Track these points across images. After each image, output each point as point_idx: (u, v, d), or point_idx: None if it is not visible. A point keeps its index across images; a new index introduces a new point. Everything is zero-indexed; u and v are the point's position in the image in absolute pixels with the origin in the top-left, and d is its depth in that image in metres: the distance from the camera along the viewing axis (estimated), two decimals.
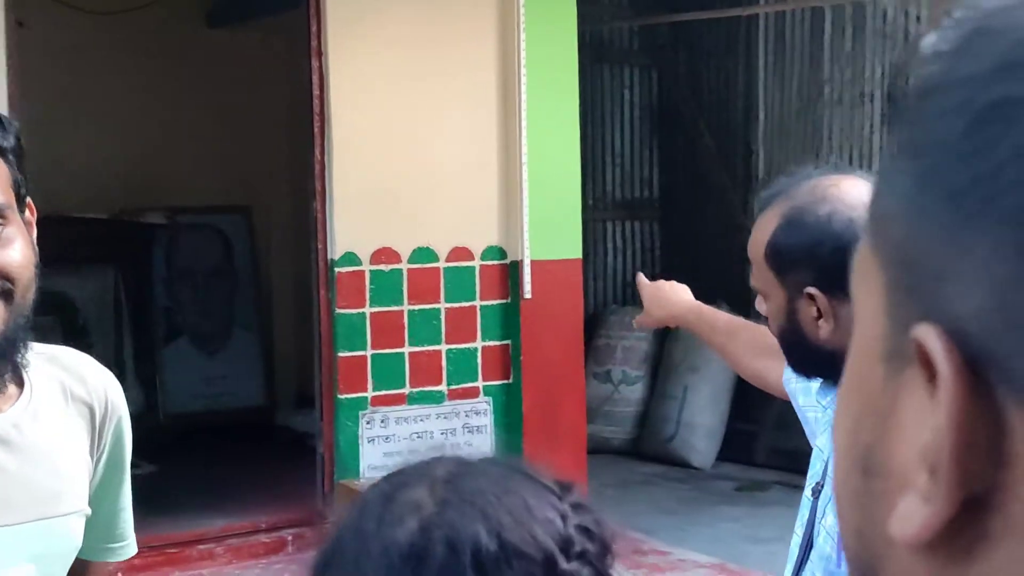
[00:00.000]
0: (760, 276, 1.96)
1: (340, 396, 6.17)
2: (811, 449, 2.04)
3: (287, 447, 7.69)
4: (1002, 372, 0.45)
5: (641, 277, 2.83)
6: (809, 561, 1.93)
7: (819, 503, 1.94)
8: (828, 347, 1.85)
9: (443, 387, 6.37)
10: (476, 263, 6.43)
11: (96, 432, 1.81)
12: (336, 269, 6.17)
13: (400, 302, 6.28)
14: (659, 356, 8.61)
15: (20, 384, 1.74)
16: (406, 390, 6.29)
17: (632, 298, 9.14)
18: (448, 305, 6.38)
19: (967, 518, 0.46)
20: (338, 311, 6.17)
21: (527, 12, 6.35)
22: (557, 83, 6.50)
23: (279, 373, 8.88)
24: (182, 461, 7.54)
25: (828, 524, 1.89)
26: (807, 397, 2.13)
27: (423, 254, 6.32)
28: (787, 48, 8.68)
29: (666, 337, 8.46)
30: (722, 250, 8.54)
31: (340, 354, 6.17)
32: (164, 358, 8.56)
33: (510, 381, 6.48)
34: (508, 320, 6.48)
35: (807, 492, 1.97)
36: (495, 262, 6.46)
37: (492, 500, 1.02)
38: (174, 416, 8.41)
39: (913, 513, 0.47)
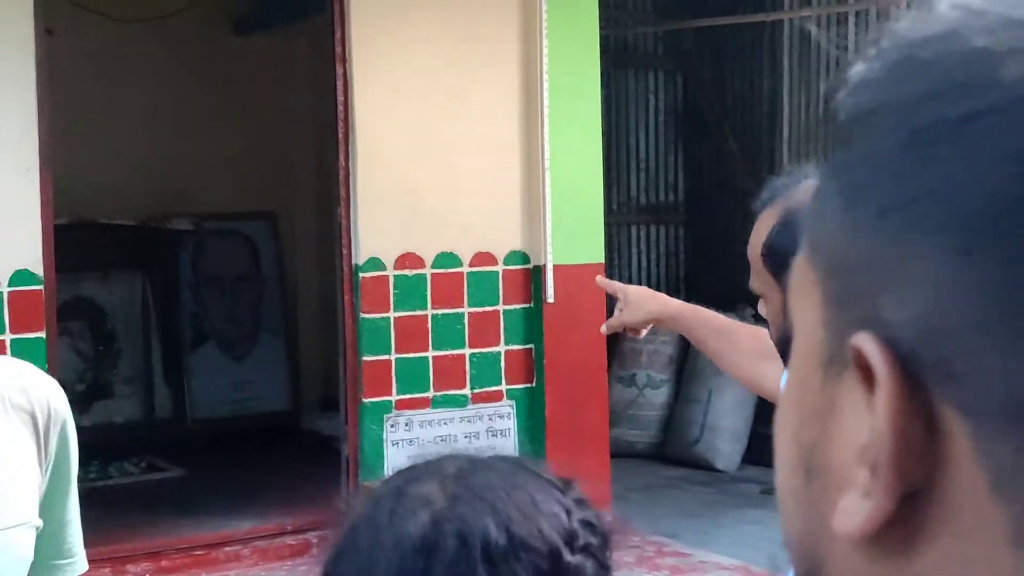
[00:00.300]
0: (758, 278, 1.96)
1: (365, 400, 6.21)
2: None
3: (313, 451, 7.73)
4: (936, 376, 0.47)
5: (606, 281, 2.73)
6: None
7: None
8: None
9: (467, 391, 6.40)
10: (499, 268, 6.46)
11: (42, 440, 1.72)
12: (360, 274, 6.20)
13: (424, 306, 6.31)
14: (684, 360, 8.61)
15: None
16: (430, 394, 6.32)
17: None
18: (471, 309, 6.41)
19: (906, 514, 0.48)
20: (363, 316, 6.21)
21: (549, 17, 6.38)
22: (579, 88, 6.52)
23: (305, 377, 8.92)
24: (209, 464, 7.60)
25: None
26: None
27: (447, 259, 6.36)
28: (812, 53, 8.68)
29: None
30: (746, 254, 8.52)
31: (365, 358, 6.21)
32: (192, 363, 8.62)
33: (533, 385, 6.51)
34: (531, 324, 6.50)
35: None
36: (518, 267, 6.49)
37: (501, 495, 1.06)
38: (202, 421, 8.47)
39: (855, 509, 0.49)
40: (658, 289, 2.97)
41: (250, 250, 8.91)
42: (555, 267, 6.44)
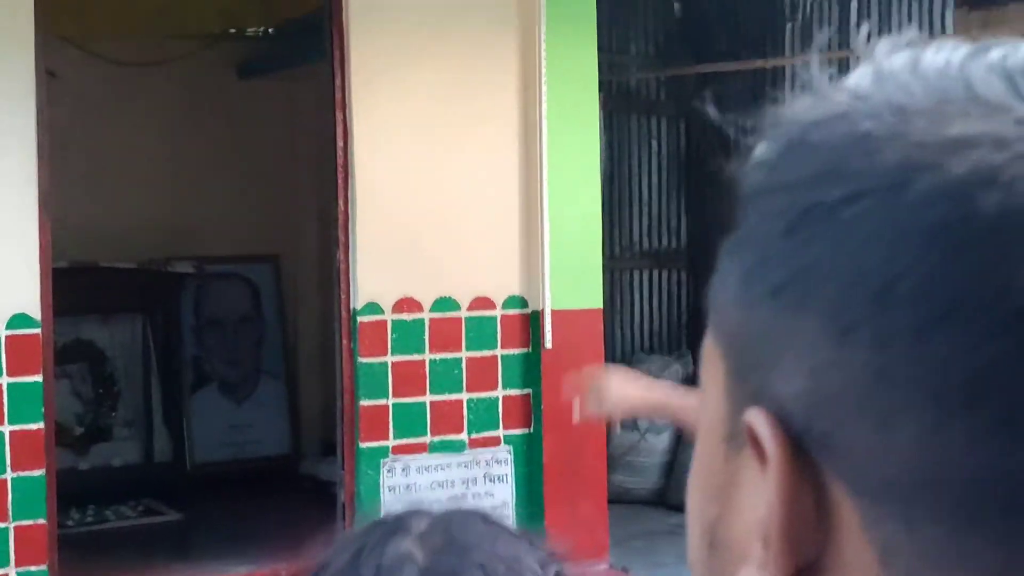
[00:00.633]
0: None
1: (361, 444, 6.20)
2: None
3: (311, 495, 7.71)
4: (822, 451, 0.48)
5: (588, 373, 2.68)
6: None
7: None
8: None
9: (464, 436, 6.38)
10: (498, 312, 6.46)
11: None
12: (359, 318, 6.20)
13: (422, 351, 6.31)
14: None
15: None
16: (427, 439, 6.30)
17: (659, 347, 9.14)
18: (469, 354, 6.40)
19: None
20: (360, 360, 6.20)
21: (548, 64, 6.41)
22: (578, 133, 6.54)
23: (305, 422, 8.90)
24: (207, 509, 7.58)
25: None
26: None
27: (445, 303, 6.36)
28: None
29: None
30: None
31: (362, 403, 6.20)
32: (192, 406, 8.61)
33: (531, 430, 6.49)
34: (529, 369, 6.49)
35: None
36: (516, 311, 6.49)
37: (485, 549, 1.08)
38: (201, 465, 8.44)
39: None
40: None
41: (252, 293, 8.92)
42: (553, 312, 6.44)
